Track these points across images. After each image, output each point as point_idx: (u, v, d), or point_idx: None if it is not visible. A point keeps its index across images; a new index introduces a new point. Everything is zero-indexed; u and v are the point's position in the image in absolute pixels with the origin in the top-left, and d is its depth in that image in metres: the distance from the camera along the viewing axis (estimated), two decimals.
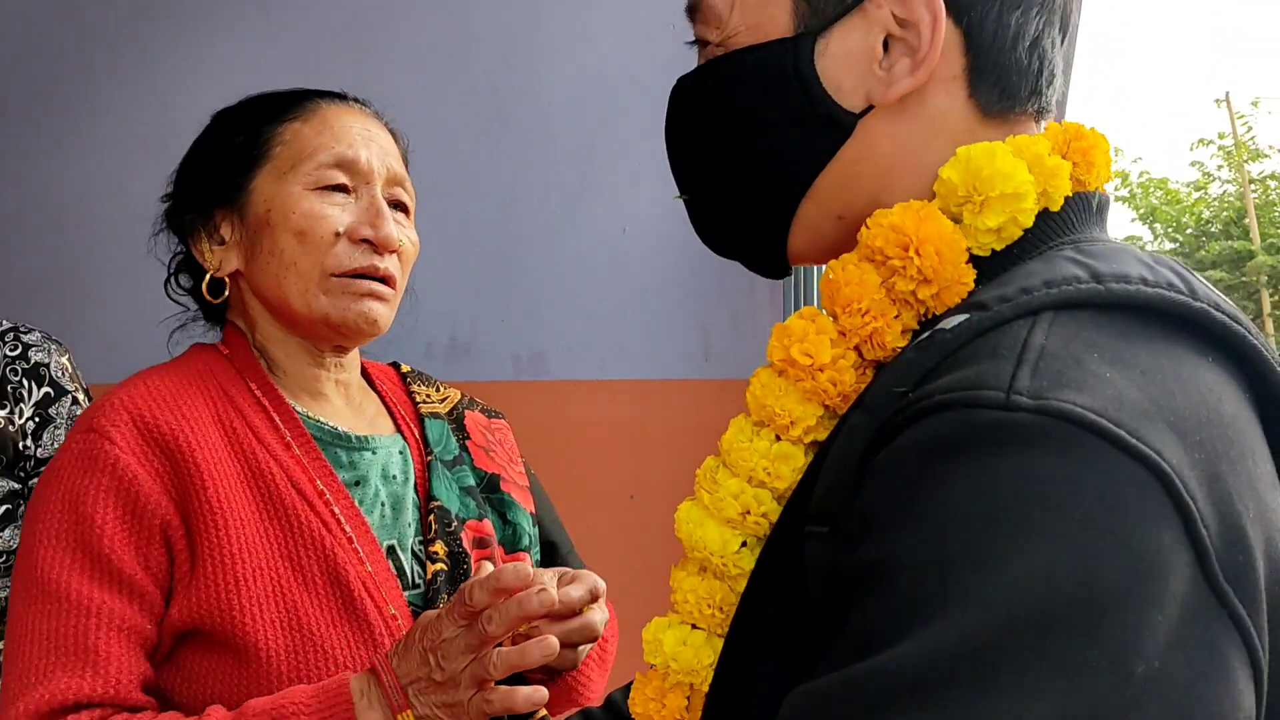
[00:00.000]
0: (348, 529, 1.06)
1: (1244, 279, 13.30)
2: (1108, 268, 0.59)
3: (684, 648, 0.69)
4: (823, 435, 0.67)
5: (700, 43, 0.74)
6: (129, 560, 0.98)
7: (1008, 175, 0.63)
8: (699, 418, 2.27)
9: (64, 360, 1.51)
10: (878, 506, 0.53)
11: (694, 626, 0.70)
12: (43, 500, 1.01)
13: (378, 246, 1.09)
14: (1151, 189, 14.65)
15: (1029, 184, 0.64)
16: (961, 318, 0.58)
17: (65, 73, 2.31)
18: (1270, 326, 12.94)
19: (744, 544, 0.68)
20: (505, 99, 2.32)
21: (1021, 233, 0.65)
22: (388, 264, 1.10)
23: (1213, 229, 14.50)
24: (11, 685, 0.94)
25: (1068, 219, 0.66)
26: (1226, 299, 0.61)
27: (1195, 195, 14.81)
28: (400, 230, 1.13)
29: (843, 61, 0.67)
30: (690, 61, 0.78)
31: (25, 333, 1.49)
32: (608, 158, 2.30)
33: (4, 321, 1.49)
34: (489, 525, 1.18)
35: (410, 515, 1.14)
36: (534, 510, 1.26)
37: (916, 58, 0.66)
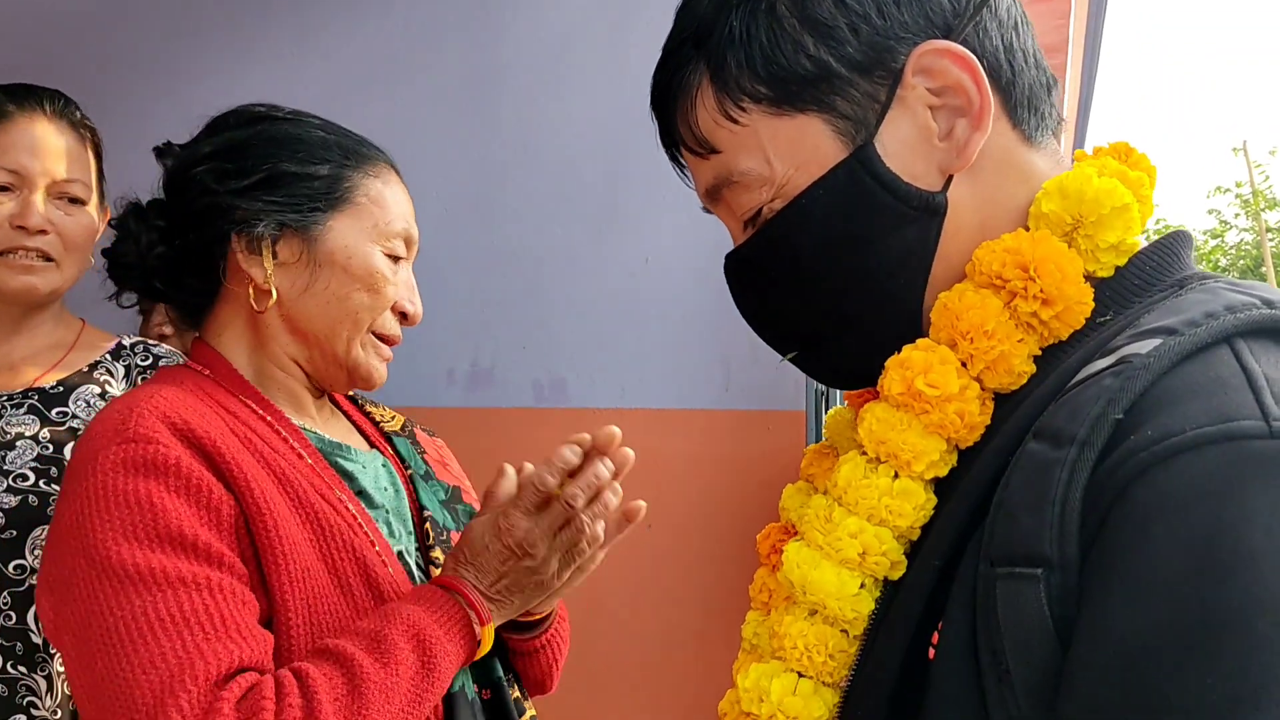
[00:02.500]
0: (369, 534, 1.07)
1: None
2: (1274, 296, 0.59)
3: (793, 698, 0.66)
4: (943, 471, 0.65)
5: (744, 218, 0.73)
6: (218, 544, 0.94)
7: (1110, 191, 0.64)
8: (718, 448, 2.27)
9: None
10: (1164, 558, 0.51)
11: (800, 675, 0.67)
12: (97, 514, 0.93)
13: (408, 319, 1.17)
14: None
15: (1129, 195, 0.65)
16: (1154, 342, 0.57)
17: (93, 100, 2.33)
18: None
19: (862, 586, 0.65)
20: (531, 129, 2.34)
21: (1138, 246, 0.66)
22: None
23: (1230, 276, 14.49)
24: (148, 677, 0.86)
25: (1172, 248, 0.67)
26: None
27: (1213, 243, 14.76)
28: None
29: (905, 152, 0.67)
30: None
31: (154, 345, 1.57)
32: (632, 188, 2.31)
33: (131, 335, 1.57)
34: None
35: (405, 525, 1.17)
36: None
37: (972, 113, 0.67)
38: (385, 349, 1.16)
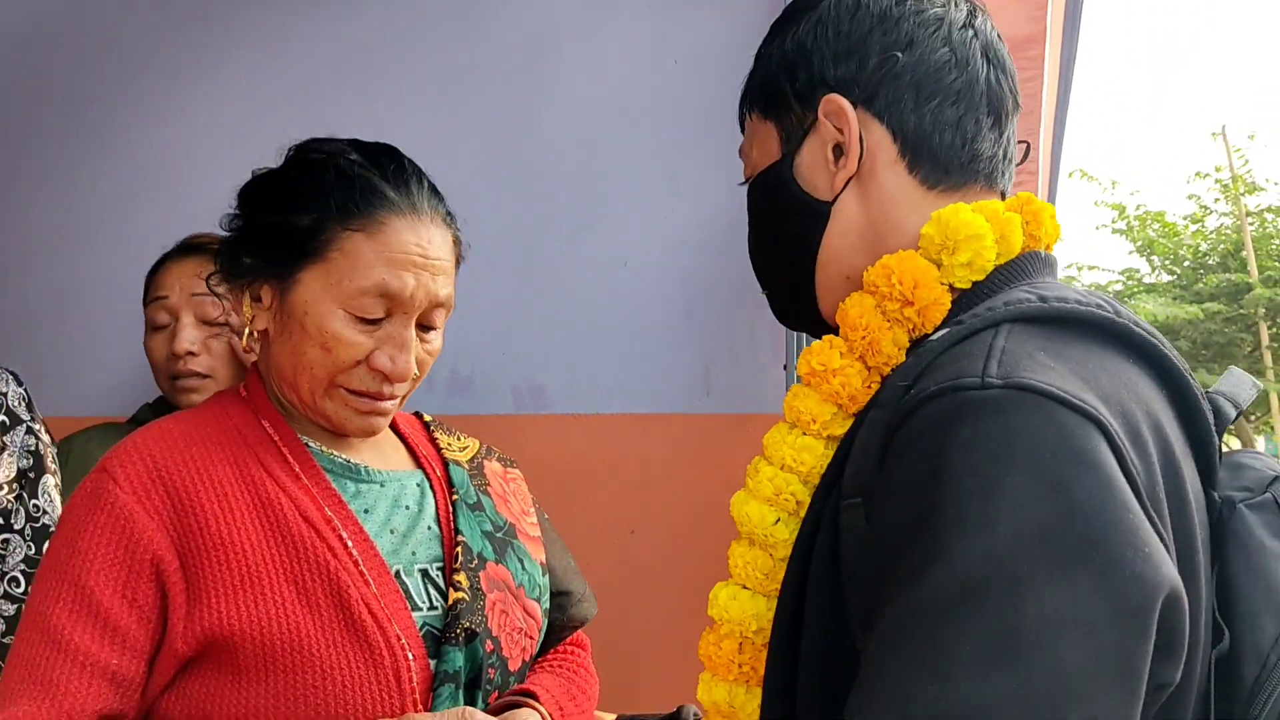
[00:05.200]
0: (354, 553, 1.11)
1: (1242, 311, 13.22)
2: (1051, 293, 0.80)
3: (734, 603, 0.89)
4: (839, 430, 0.87)
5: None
6: (111, 595, 1.04)
7: (969, 223, 0.86)
8: (700, 451, 2.25)
9: (20, 390, 1.53)
10: (907, 475, 0.71)
11: (744, 587, 0.90)
12: (56, 533, 1.10)
13: (388, 377, 1.13)
14: (1149, 221, 14.65)
15: (986, 228, 0.86)
16: (944, 331, 0.80)
17: (77, 100, 2.31)
18: (1269, 359, 12.87)
19: (779, 519, 0.88)
20: (510, 131, 2.31)
21: (991, 266, 0.86)
22: (395, 389, 1.15)
23: (1210, 261, 14.49)
24: None
25: (1025, 268, 0.88)
26: (1145, 322, 0.82)
27: (1193, 228, 14.86)
28: (423, 347, 1.17)
29: (811, 168, 0.92)
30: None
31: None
32: (611, 191, 2.30)
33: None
34: (507, 571, 1.23)
35: (420, 543, 1.19)
36: (544, 560, 1.31)
37: (849, 156, 0.90)
38: (361, 402, 1.14)
